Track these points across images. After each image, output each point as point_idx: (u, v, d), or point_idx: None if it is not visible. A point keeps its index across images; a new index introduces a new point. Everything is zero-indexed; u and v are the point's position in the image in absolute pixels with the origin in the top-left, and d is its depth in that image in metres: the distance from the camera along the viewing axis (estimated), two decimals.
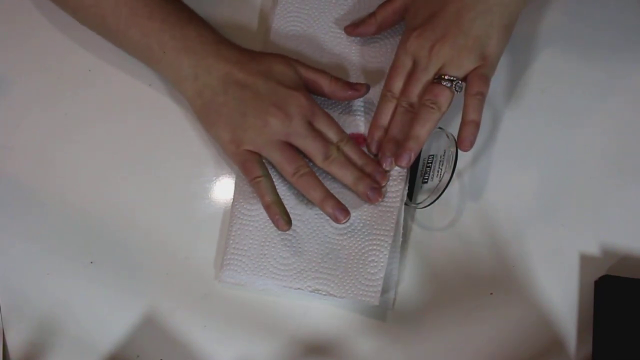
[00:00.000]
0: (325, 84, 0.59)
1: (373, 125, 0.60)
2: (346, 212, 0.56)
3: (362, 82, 0.61)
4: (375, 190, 0.57)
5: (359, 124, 0.61)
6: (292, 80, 0.58)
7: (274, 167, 0.58)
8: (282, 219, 0.56)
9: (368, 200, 0.57)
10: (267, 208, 0.56)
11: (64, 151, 0.62)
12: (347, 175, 0.58)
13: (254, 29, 0.66)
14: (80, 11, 0.60)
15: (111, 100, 0.64)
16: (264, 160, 0.58)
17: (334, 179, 0.59)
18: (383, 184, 0.58)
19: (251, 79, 0.57)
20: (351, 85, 0.60)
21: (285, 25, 0.65)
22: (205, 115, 0.58)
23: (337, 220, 0.56)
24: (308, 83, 0.60)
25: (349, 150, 0.59)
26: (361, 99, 0.62)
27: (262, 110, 0.56)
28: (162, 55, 0.58)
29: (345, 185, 0.58)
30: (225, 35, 0.61)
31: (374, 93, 0.62)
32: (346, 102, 0.62)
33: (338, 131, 0.59)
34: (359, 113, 0.62)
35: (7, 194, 0.61)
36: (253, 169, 0.57)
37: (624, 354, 0.54)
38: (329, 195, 0.56)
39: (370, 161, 0.59)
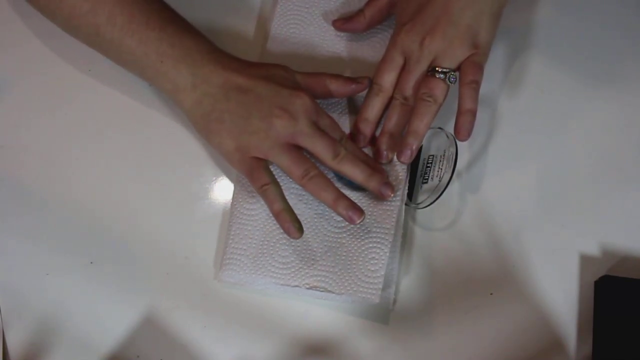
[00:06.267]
0: (326, 84, 0.59)
1: (359, 118, 0.60)
2: (360, 212, 0.55)
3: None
4: (387, 185, 0.56)
5: (344, 119, 0.62)
6: (292, 82, 0.58)
7: (282, 171, 0.58)
8: (293, 226, 0.55)
9: (381, 196, 0.57)
10: (277, 216, 0.55)
11: (64, 151, 0.62)
12: (358, 173, 0.56)
13: (251, 35, 0.66)
14: (74, 20, 0.58)
15: (111, 100, 0.64)
16: (270, 167, 0.57)
17: (344, 177, 0.58)
18: (386, 180, 0.58)
19: (252, 82, 0.56)
20: (353, 80, 0.59)
21: (283, 28, 0.65)
22: (206, 124, 0.57)
23: (351, 221, 0.55)
24: (309, 89, 0.59)
25: (351, 149, 0.58)
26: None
27: (266, 113, 0.55)
28: (160, 65, 0.57)
29: (357, 182, 0.57)
30: (222, 41, 0.60)
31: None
32: (343, 103, 0.62)
33: (339, 130, 0.58)
34: (342, 107, 0.62)
35: (7, 194, 0.61)
36: (260, 177, 0.55)
37: (624, 354, 0.54)
38: (341, 196, 0.55)
39: (369, 158, 0.59)
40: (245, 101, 0.56)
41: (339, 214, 0.55)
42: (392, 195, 0.57)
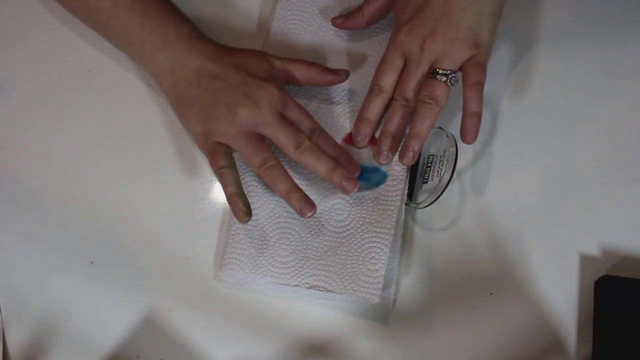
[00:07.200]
0: (303, 71, 0.59)
1: (359, 118, 0.60)
2: (311, 206, 0.55)
3: (364, 80, 0.61)
4: (350, 180, 0.56)
5: (344, 119, 0.61)
6: (264, 71, 0.58)
7: (243, 159, 0.59)
8: (241, 210, 0.56)
9: (343, 190, 0.56)
10: (228, 198, 0.56)
11: (64, 151, 0.62)
12: (320, 165, 0.56)
13: (253, 31, 0.66)
14: (67, 3, 0.62)
15: (111, 100, 0.64)
16: (233, 154, 0.58)
17: (307, 169, 0.58)
18: (356, 175, 0.58)
19: (223, 70, 0.58)
20: (331, 70, 0.60)
21: (283, 29, 0.65)
22: (179, 107, 0.59)
23: (302, 214, 0.55)
24: (287, 74, 0.60)
25: (322, 141, 0.58)
26: (346, 93, 0.62)
27: (232, 101, 0.56)
28: (141, 50, 0.59)
29: (319, 176, 0.57)
30: (224, 38, 0.61)
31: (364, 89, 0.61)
32: (327, 96, 0.62)
33: (311, 121, 0.58)
34: (342, 106, 0.62)
35: (7, 194, 0.61)
36: (218, 160, 0.57)
37: (624, 354, 0.54)
38: (295, 188, 0.56)
39: (343, 152, 0.59)
40: (214, 89, 0.57)
41: (291, 206, 0.56)
42: (354, 190, 0.56)
